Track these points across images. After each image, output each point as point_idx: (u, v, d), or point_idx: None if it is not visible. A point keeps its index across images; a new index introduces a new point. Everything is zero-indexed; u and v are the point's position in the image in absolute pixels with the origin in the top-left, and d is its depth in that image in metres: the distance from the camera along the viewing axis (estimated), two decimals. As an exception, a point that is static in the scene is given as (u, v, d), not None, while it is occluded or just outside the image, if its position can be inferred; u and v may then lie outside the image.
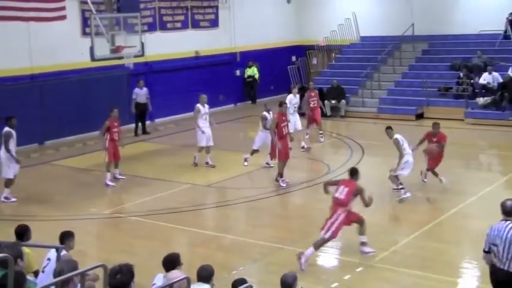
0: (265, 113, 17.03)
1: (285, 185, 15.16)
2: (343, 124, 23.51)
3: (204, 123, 16.92)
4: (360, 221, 10.90)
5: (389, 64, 26.36)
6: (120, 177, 16.17)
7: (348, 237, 12.25)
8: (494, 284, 7.84)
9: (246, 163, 16.94)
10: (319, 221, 13.15)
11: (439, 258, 10.76)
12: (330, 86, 24.94)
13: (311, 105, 19.92)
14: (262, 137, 16.85)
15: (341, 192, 10.76)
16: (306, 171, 17.04)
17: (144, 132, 22.11)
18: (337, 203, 10.74)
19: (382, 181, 15.89)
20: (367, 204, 10.91)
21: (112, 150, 15.74)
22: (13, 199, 14.69)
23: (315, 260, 11.18)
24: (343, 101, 24.46)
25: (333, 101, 24.46)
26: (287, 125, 15.57)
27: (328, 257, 11.35)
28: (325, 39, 28.77)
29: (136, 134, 21.92)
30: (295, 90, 19.75)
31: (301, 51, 29.59)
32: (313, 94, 20.13)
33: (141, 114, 22.06)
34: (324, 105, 24.11)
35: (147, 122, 22.57)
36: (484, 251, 7.80)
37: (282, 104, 15.74)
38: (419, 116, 23.26)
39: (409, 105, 23.47)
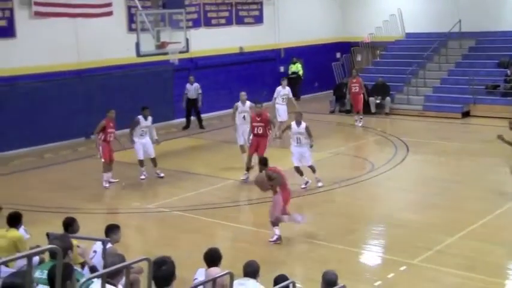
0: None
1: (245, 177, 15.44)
2: (387, 121, 23.30)
3: (241, 121, 16.88)
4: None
5: (435, 61, 25.99)
6: (113, 180, 15.69)
7: (391, 235, 12.17)
8: None
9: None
10: (360, 218, 13.15)
11: (485, 258, 10.59)
12: (374, 83, 24.73)
13: (352, 90, 22.30)
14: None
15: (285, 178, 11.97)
16: (349, 169, 16.93)
17: (201, 127, 22.30)
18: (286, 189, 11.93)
19: (428, 179, 15.73)
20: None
21: (106, 152, 15.35)
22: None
23: (358, 258, 11.14)
24: (388, 98, 24.23)
25: (378, 98, 24.26)
26: (261, 126, 15.60)
27: (372, 256, 11.28)
28: (370, 36, 28.54)
29: (184, 128, 22.23)
30: (284, 82, 20.59)
31: (346, 47, 29.40)
32: (354, 81, 22.36)
33: (192, 109, 22.25)
34: (368, 102, 24.12)
35: (191, 118, 22.70)
36: None
37: (256, 103, 15.95)
38: (466, 114, 22.90)
39: (455, 103, 23.11)
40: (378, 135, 20.93)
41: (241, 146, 16.93)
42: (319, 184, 14.79)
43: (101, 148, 15.36)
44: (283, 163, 14.17)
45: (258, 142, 15.65)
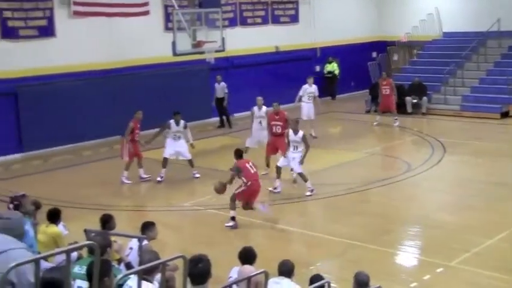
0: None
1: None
2: (424, 121, 23.09)
3: (258, 126, 16.72)
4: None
5: (473, 61, 25.63)
6: (145, 176, 15.97)
7: (427, 237, 12.06)
8: None
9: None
10: (396, 219, 13.05)
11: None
12: (411, 82, 24.51)
13: (383, 93, 22.00)
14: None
15: (253, 167, 12.51)
16: (385, 169, 16.82)
17: (230, 125, 22.42)
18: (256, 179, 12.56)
19: (464, 180, 15.54)
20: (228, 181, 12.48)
21: (133, 151, 15.72)
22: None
23: (393, 259, 11.06)
24: (425, 98, 23.99)
25: (415, 98, 24.04)
26: (279, 125, 15.67)
27: (408, 257, 11.20)
28: (406, 35, 28.28)
29: (219, 127, 22.45)
30: (311, 80, 20.32)
31: (382, 47, 29.19)
32: (384, 83, 22.09)
33: (220, 108, 22.40)
34: (405, 102, 23.94)
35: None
36: None
37: (274, 102, 16.29)
38: (505, 115, 22.54)
39: (493, 103, 22.77)
40: (415, 136, 20.75)
41: (247, 148, 16.49)
42: (308, 193, 14.23)
43: (127, 148, 15.66)
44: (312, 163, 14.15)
45: (277, 142, 15.66)
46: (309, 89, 20.11)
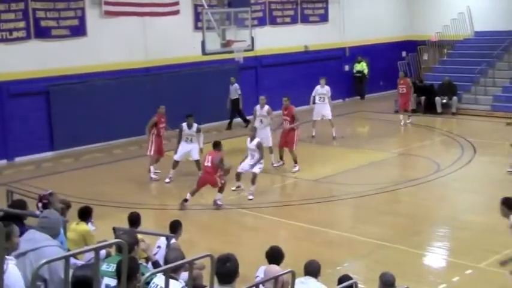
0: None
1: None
2: (454, 121, 22.87)
3: (259, 125, 16.62)
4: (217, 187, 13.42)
5: (505, 60, 25.31)
6: (155, 175, 16.07)
7: (456, 238, 11.96)
8: None
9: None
10: (425, 219, 12.97)
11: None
12: (441, 82, 24.30)
13: (400, 91, 22.35)
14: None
15: (208, 161, 13.35)
16: (414, 169, 16.70)
17: (246, 126, 21.79)
18: (205, 170, 13.51)
19: (495, 181, 15.37)
20: (225, 171, 13.39)
21: (157, 146, 15.94)
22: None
23: (422, 260, 11.00)
24: (455, 98, 23.77)
25: (444, 98, 23.83)
26: (287, 120, 16.38)
27: (437, 258, 11.13)
28: (437, 35, 28.02)
29: (227, 129, 21.90)
30: (323, 81, 19.95)
31: (412, 46, 28.96)
32: (402, 82, 22.37)
33: (234, 110, 22.08)
34: (435, 101, 23.77)
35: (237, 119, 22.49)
36: None
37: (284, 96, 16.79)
38: (536, 115, 22.24)
39: (525, 104, 22.49)
40: (444, 136, 20.56)
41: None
42: (250, 197, 14.14)
43: (153, 143, 15.93)
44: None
45: (286, 136, 16.27)
46: (320, 90, 19.80)
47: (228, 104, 22.06)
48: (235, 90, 22.01)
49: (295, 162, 16.28)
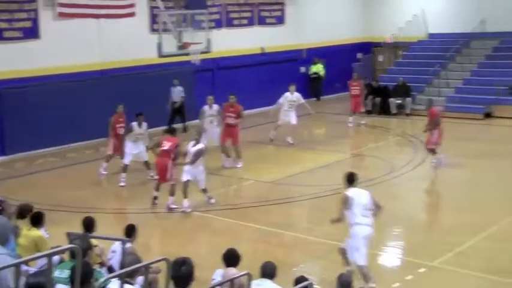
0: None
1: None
2: (408, 122, 23.20)
3: (208, 125, 16.96)
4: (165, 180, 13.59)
5: (457, 62, 25.83)
6: (104, 172, 16.35)
7: (410, 237, 12.15)
8: None
9: None
10: (380, 220, 13.05)
11: (505, 260, 10.53)
12: (395, 83, 24.64)
13: (352, 93, 22.46)
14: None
15: (165, 145, 13.67)
16: (369, 170, 16.87)
17: (184, 130, 21.22)
18: (163, 154, 13.65)
19: (448, 180, 15.66)
20: (179, 153, 13.66)
21: (113, 144, 16.19)
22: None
23: (376, 259, 11.12)
24: (409, 99, 24.13)
25: (399, 99, 24.16)
26: (232, 117, 16.86)
27: (391, 257, 11.28)
28: (392, 36, 28.42)
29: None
30: (292, 88, 19.70)
31: (368, 48, 29.33)
32: (355, 84, 22.58)
33: (176, 112, 21.70)
34: (389, 103, 24.10)
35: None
36: None
37: (230, 94, 17.16)
38: (488, 116, 22.73)
39: (477, 104, 22.93)
40: (398, 136, 20.87)
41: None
42: (212, 201, 13.89)
43: (112, 142, 16.16)
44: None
45: (230, 132, 16.74)
46: (290, 97, 19.45)
47: (169, 107, 21.55)
48: (178, 93, 21.62)
49: (239, 157, 16.76)
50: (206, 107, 17.25)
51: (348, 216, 9.39)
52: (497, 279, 9.78)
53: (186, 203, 13.47)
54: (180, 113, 21.88)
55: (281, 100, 19.48)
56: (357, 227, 9.36)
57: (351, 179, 9.67)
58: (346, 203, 9.37)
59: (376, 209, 9.62)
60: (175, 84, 21.64)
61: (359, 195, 9.45)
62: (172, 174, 13.64)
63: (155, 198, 13.82)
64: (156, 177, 14.27)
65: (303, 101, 19.82)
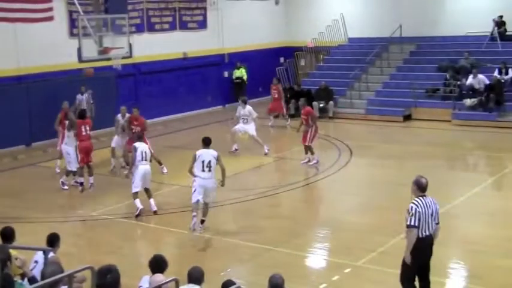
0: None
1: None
2: (331, 125, 23.55)
3: (120, 133, 17.16)
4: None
5: (377, 65, 26.43)
6: (58, 170, 16.89)
7: (336, 238, 12.31)
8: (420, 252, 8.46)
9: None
10: (306, 221, 13.26)
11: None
12: (318, 87, 24.98)
13: (273, 96, 23.85)
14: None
15: (86, 130, 15.10)
16: (294, 173, 17.02)
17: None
18: (86, 138, 15.21)
19: (371, 182, 15.96)
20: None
21: (62, 141, 16.24)
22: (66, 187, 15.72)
23: (303, 261, 11.21)
24: (331, 103, 24.50)
25: (321, 103, 24.49)
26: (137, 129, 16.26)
27: (318, 259, 11.38)
28: (313, 41, 28.82)
29: None
30: (242, 102, 19.58)
31: (289, 52, 29.62)
32: (274, 87, 23.86)
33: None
34: (312, 106, 24.36)
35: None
36: (414, 226, 8.33)
37: (134, 107, 17.22)
38: (407, 118, 23.35)
39: (396, 107, 23.52)
40: (322, 139, 21.06)
41: (113, 148, 17.32)
42: (155, 209, 13.66)
43: (62, 139, 16.31)
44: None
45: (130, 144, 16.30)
46: (242, 111, 19.23)
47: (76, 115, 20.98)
48: (85, 100, 20.68)
49: (160, 164, 16.88)
50: (119, 116, 17.33)
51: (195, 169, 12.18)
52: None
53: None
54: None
55: (236, 114, 19.46)
56: (197, 178, 12.16)
57: (206, 142, 12.35)
58: (193, 159, 12.19)
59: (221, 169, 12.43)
60: (82, 91, 20.67)
61: (205, 154, 12.17)
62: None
63: (81, 184, 15.22)
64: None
65: (255, 115, 19.28)
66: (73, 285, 6.05)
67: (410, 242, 8.40)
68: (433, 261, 10.59)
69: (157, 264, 7.37)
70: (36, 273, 7.59)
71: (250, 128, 18.98)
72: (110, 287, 5.55)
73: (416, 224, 8.28)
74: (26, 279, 7.36)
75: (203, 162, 12.12)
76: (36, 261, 7.98)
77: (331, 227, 12.85)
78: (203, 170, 12.12)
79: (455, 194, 14.48)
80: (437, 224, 8.57)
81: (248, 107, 19.23)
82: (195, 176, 12.18)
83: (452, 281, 10.24)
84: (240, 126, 19.12)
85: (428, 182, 8.57)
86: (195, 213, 12.24)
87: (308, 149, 17.15)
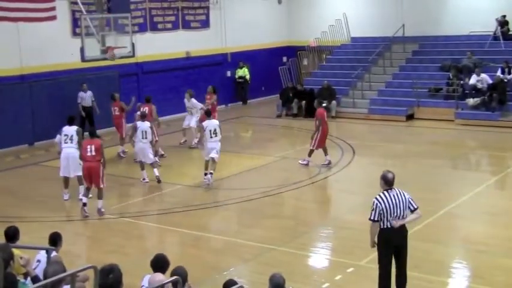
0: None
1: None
2: (333, 125, 23.43)
3: None
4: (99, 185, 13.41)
5: (379, 65, 26.41)
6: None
7: (339, 237, 12.31)
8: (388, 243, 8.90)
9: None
10: (308, 221, 13.26)
11: (429, 258, 10.79)
12: (320, 86, 24.97)
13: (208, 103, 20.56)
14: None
15: (91, 150, 13.24)
16: (297, 172, 17.02)
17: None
18: (89, 160, 13.28)
19: (374, 181, 15.93)
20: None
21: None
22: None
23: (306, 261, 11.21)
24: (334, 102, 24.49)
25: (324, 102, 24.47)
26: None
27: (320, 258, 11.37)
28: (315, 40, 28.82)
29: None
30: (187, 95, 19.74)
31: (292, 52, 29.62)
32: (208, 97, 20.76)
33: (88, 117, 21.13)
34: (315, 106, 24.35)
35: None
36: (374, 220, 8.73)
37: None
38: (410, 117, 23.33)
39: (399, 106, 23.51)
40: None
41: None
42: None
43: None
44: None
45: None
46: (187, 103, 19.63)
47: (82, 112, 20.82)
48: (89, 97, 20.98)
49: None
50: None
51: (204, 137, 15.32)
52: (420, 275, 9.98)
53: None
54: (89, 118, 21.22)
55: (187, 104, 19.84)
56: (208, 143, 15.23)
57: (208, 114, 15.96)
58: (202, 129, 15.44)
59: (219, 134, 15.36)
60: (84, 89, 20.89)
61: (211, 124, 15.36)
62: (102, 180, 13.44)
63: (84, 205, 13.38)
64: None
65: (199, 107, 19.35)
66: (76, 285, 6.04)
67: (373, 234, 8.89)
68: (435, 261, 10.63)
69: (159, 264, 7.37)
70: (39, 272, 7.59)
71: (193, 120, 19.36)
72: (112, 286, 5.55)
73: (376, 218, 8.71)
74: (28, 279, 7.37)
75: (210, 130, 15.19)
76: (38, 261, 7.98)
77: (334, 227, 12.85)
78: (211, 137, 15.21)
79: (458, 194, 14.47)
80: (414, 210, 9.04)
81: (193, 100, 19.63)
82: (205, 146, 15.36)
83: (454, 281, 10.23)
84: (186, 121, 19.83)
85: (394, 176, 9.15)
86: (206, 171, 15.30)
87: (324, 151, 16.95)
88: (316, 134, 16.92)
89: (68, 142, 14.41)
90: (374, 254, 10.84)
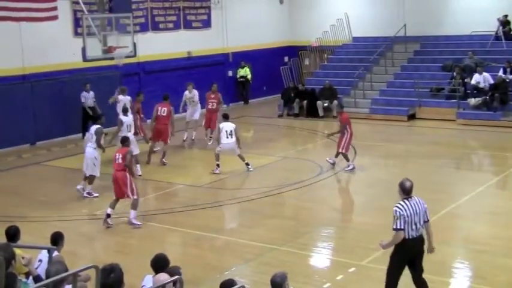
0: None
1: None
2: (335, 125, 23.38)
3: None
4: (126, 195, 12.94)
5: (381, 65, 26.40)
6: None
7: (340, 237, 12.31)
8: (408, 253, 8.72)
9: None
10: (310, 221, 13.26)
11: (431, 258, 10.74)
12: (322, 86, 24.97)
13: (209, 106, 20.25)
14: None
15: (118, 158, 12.90)
16: (298, 172, 17.02)
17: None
18: (116, 169, 12.90)
19: (375, 181, 15.94)
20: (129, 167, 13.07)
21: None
22: (95, 194, 14.81)
23: (307, 260, 11.21)
24: (336, 102, 24.45)
25: (326, 102, 24.48)
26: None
27: (321, 257, 11.37)
28: (317, 40, 28.81)
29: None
30: (189, 86, 20.55)
31: (294, 51, 29.61)
32: (212, 96, 20.34)
33: (89, 118, 20.53)
34: (316, 105, 24.40)
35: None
36: (398, 229, 8.47)
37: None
38: (412, 117, 23.32)
39: (401, 106, 23.51)
40: (326, 139, 21.08)
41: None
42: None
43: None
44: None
45: None
46: (189, 95, 20.37)
47: (89, 111, 20.79)
48: (92, 98, 21.02)
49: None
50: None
51: (220, 137, 16.26)
52: (425, 276, 9.94)
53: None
54: (93, 118, 21.14)
55: (183, 98, 20.57)
56: (222, 144, 16.14)
57: (226, 116, 16.70)
58: (219, 130, 16.27)
59: (237, 138, 16.29)
60: (87, 89, 20.90)
61: (226, 126, 16.20)
62: (133, 193, 12.88)
63: (108, 216, 12.80)
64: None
65: (197, 99, 20.49)
66: (77, 284, 6.05)
67: (394, 242, 8.65)
68: (437, 261, 10.61)
69: (159, 263, 7.37)
70: (41, 272, 7.60)
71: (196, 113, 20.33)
72: (113, 286, 5.56)
73: (402, 227, 8.46)
74: (30, 278, 7.38)
75: (226, 131, 16.04)
76: (40, 260, 7.99)
77: (335, 226, 12.86)
78: (227, 137, 16.07)
79: (460, 194, 14.47)
80: (427, 221, 8.75)
81: (194, 91, 20.53)
82: (220, 143, 16.20)
83: (456, 281, 10.22)
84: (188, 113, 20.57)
85: (413, 184, 8.73)
86: (218, 162, 16.38)
87: (344, 156, 16.77)
88: (344, 137, 16.67)
89: (90, 141, 14.85)
90: (375, 254, 10.87)
